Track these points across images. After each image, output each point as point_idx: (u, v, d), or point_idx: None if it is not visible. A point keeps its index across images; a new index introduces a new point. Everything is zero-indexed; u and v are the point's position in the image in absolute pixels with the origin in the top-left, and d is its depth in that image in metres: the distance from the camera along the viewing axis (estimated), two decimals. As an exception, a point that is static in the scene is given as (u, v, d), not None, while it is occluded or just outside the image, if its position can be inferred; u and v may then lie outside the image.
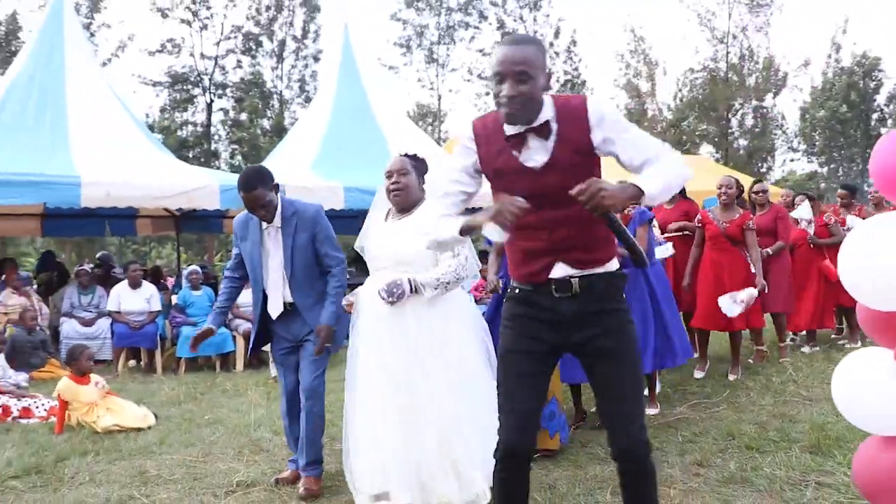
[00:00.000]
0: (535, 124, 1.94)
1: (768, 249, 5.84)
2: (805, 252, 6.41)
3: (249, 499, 3.22)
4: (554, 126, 1.93)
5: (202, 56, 24.44)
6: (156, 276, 9.82)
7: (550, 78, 1.96)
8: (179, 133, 24.26)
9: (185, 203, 7.21)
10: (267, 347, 3.56)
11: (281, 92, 26.12)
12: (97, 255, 11.98)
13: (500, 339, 2.14)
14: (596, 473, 3.35)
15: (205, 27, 24.32)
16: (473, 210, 2.19)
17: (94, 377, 4.94)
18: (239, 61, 25.13)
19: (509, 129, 1.97)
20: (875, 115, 26.25)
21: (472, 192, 2.14)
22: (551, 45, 26.67)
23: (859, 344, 6.32)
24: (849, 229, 6.08)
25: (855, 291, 1.91)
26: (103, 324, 7.39)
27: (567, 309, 2.02)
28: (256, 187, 3.14)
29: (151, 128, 21.62)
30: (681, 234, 5.90)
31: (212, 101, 24.78)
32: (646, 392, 4.56)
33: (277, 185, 3.28)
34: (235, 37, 24.85)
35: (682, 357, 4.32)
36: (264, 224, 3.28)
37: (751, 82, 25.25)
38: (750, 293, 5.08)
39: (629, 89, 27.05)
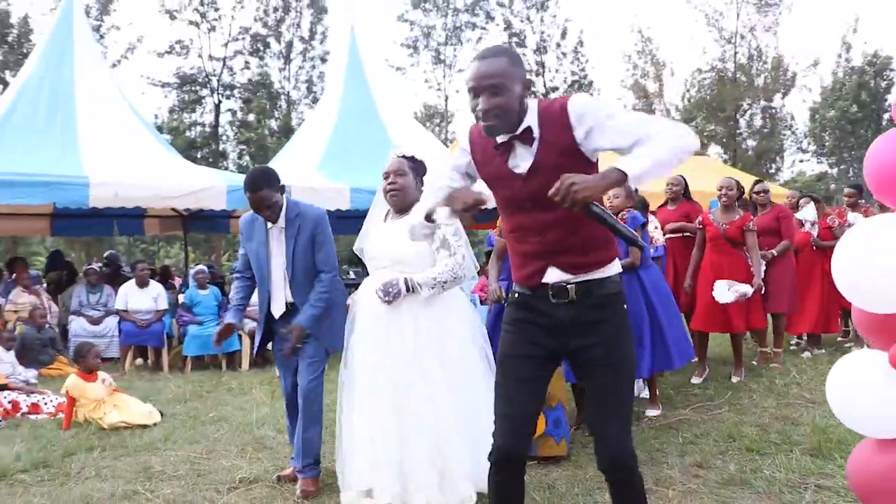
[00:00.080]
0: (518, 132, 1.96)
1: (773, 250, 5.83)
2: (808, 255, 6.39)
3: (251, 495, 3.26)
4: (537, 132, 1.95)
5: (210, 57, 24.58)
6: (164, 276, 9.91)
7: (528, 86, 1.98)
8: (188, 134, 24.40)
9: (192, 203, 7.27)
10: (271, 346, 3.60)
11: (288, 93, 26.22)
12: (105, 255, 12.08)
13: (500, 343, 2.15)
14: (595, 474, 3.34)
15: (213, 29, 24.47)
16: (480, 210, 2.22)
17: (101, 374, 5.00)
18: (247, 62, 25.25)
19: (499, 137, 2.00)
20: (886, 115, 26.03)
21: (457, 186, 2.17)
22: (558, 45, 26.65)
23: (865, 347, 6.29)
24: (853, 230, 6.05)
25: (849, 293, 1.92)
26: (111, 322, 7.47)
27: (564, 315, 2.02)
28: (262, 188, 3.18)
29: (160, 128, 21.75)
30: (681, 235, 5.90)
31: (220, 101, 24.91)
32: (646, 394, 4.57)
33: (283, 187, 3.31)
34: (243, 38, 24.97)
35: (679, 361, 4.29)
36: (269, 224, 3.32)
37: (759, 83, 25.13)
38: (746, 288, 5.06)
39: (636, 90, 26.98)
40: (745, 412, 4.45)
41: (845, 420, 2.05)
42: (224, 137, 25.53)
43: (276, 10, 25.43)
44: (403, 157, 3.07)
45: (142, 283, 7.41)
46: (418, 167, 3.07)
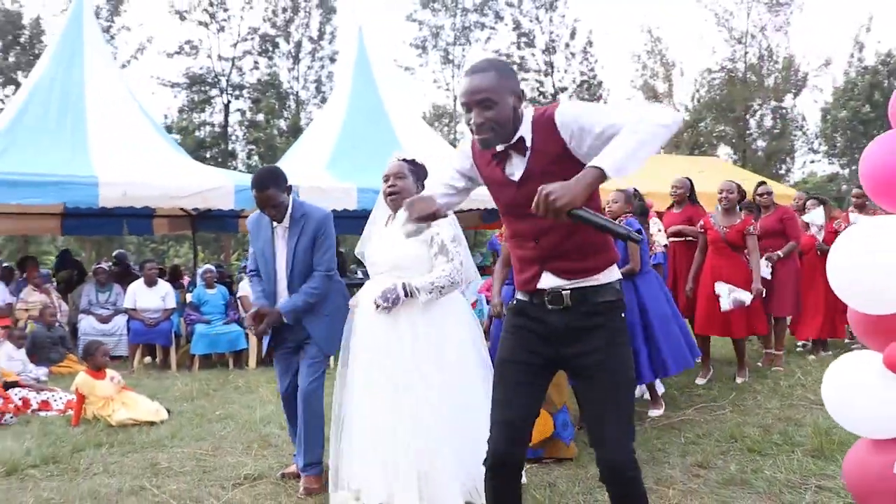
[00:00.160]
0: (512, 142, 1.99)
1: (779, 252, 5.82)
2: (813, 259, 6.34)
3: (255, 491, 3.30)
4: (529, 140, 1.98)
5: (220, 57, 24.68)
6: (174, 275, 10.00)
7: (521, 97, 2.00)
8: (197, 133, 24.51)
9: (200, 203, 7.33)
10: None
11: (297, 93, 26.30)
12: (113, 254, 12.19)
13: (499, 348, 2.17)
14: (596, 473, 3.36)
15: (222, 29, 24.57)
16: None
17: (110, 372, 5.06)
18: (256, 62, 25.34)
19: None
20: (898, 116, 25.76)
21: (459, 186, 2.20)
22: (567, 45, 26.60)
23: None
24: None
25: (844, 295, 1.94)
26: (120, 321, 7.54)
27: (558, 322, 2.02)
28: (269, 187, 3.21)
29: (170, 128, 21.89)
30: (682, 238, 5.87)
31: (229, 101, 25.01)
32: (647, 395, 4.58)
33: (290, 187, 3.34)
34: (252, 38, 25.06)
35: (675, 367, 4.29)
36: (274, 223, 3.36)
37: (770, 83, 24.98)
38: (745, 296, 5.03)
39: (646, 90, 26.88)
40: (748, 413, 4.45)
41: (841, 420, 2.06)
42: (233, 137, 25.65)
43: (284, 10, 25.52)
44: (403, 160, 3.07)
45: (150, 283, 7.48)
46: (418, 170, 3.07)
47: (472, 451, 2.75)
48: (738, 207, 5.37)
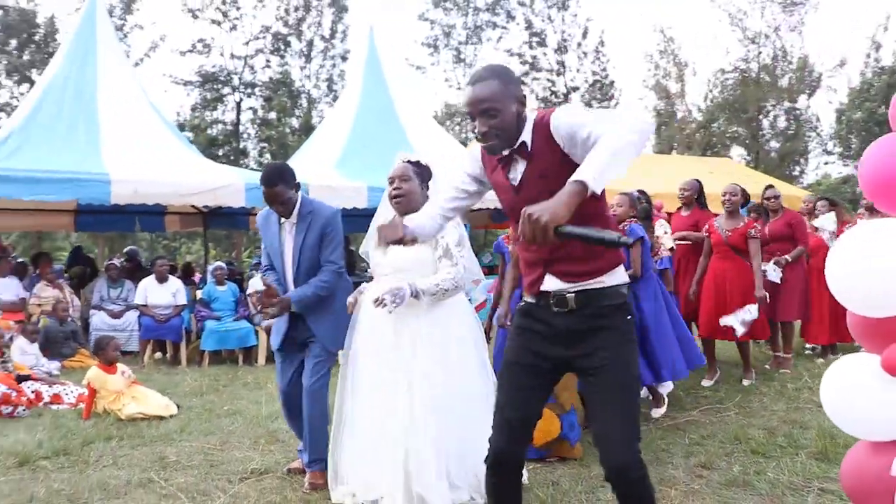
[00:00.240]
0: (515, 146, 2.02)
1: (787, 256, 5.79)
2: (821, 263, 6.28)
3: (262, 485, 3.35)
4: (530, 144, 2.01)
5: (232, 56, 24.81)
6: (186, 272, 10.10)
7: (524, 102, 2.02)
8: (209, 131, 24.66)
9: (210, 200, 7.38)
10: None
11: (309, 91, 26.38)
12: (124, 250, 12.31)
13: (505, 349, 2.20)
14: (599, 472, 3.36)
15: (234, 27, 24.68)
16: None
17: (120, 367, 5.13)
18: (268, 61, 25.44)
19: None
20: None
21: (470, 190, 2.24)
22: (579, 45, 26.53)
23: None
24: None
25: (842, 297, 1.95)
26: (131, 316, 7.63)
27: (563, 324, 2.03)
28: (277, 184, 3.24)
29: (182, 126, 22.03)
30: (687, 242, 5.85)
31: (241, 99, 25.14)
32: (649, 395, 4.58)
33: (299, 185, 3.37)
34: (264, 37, 25.17)
35: (668, 375, 4.29)
36: (282, 219, 3.39)
37: (783, 83, 24.80)
38: (751, 313, 5.02)
39: (658, 90, 26.79)
40: (753, 415, 4.45)
41: (839, 422, 2.07)
42: (245, 135, 25.78)
43: (297, 9, 25.61)
44: (409, 161, 3.07)
45: (161, 279, 7.56)
46: (423, 172, 3.08)
47: (472, 449, 2.78)
48: (746, 211, 5.34)
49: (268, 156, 24.91)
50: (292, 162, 8.54)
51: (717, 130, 26.05)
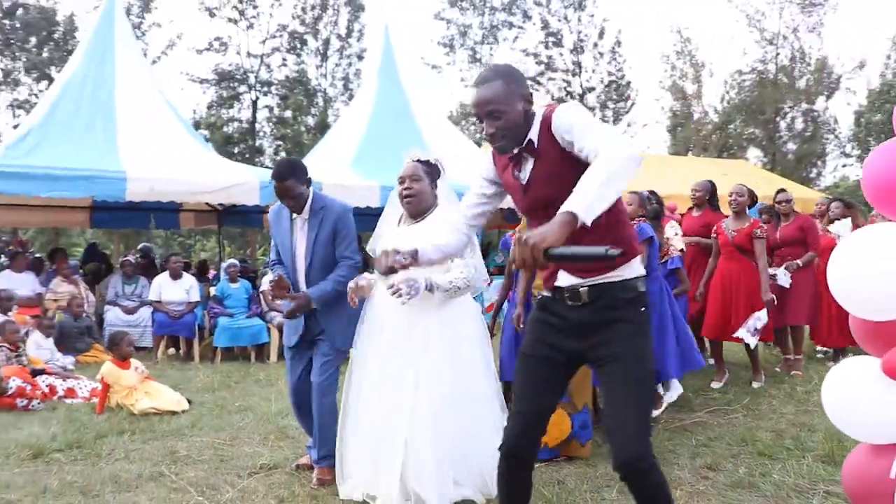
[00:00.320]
0: (524, 144, 2.04)
1: (798, 261, 5.75)
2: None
3: (270, 480, 3.39)
4: (536, 142, 2.02)
5: (248, 54, 25.04)
6: (201, 270, 10.20)
7: (531, 100, 2.03)
8: (225, 129, 24.87)
9: (225, 198, 7.46)
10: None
11: (325, 90, 26.55)
12: (139, 247, 12.46)
13: (522, 342, 2.23)
14: (605, 471, 3.41)
15: (251, 26, 24.91)
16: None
17: (134, 362, 5.20)
18: (284, 59, 25.64)
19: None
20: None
21: (489, 193, 2.25)
22: (595, 45, 26.43)
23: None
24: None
25: (844, 301, 1.95)
26: (145, 312, 7.70)
27: (576, 318, 2.06)
28: (288, 178, 3.25)
29: (198, 124, 22.26)
30: (696, 243, 5.81)
31: (257, 98, 25.35)
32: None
33: (310, 180, 3.38)
34: (281, 35, 25.36)
35: (662, 375, 4.27)
36: (294, 215, 3.41)
37: (801, 85, 24.56)
38: (760, 320, 5.01)
39: (675, 91, 26.66)
40: (761, 417, 4.44)
41: (840, 425, 2.07)
42: (261, 133, 25.98)
43: (313, 7, 25.78)
44: (418, 161, 3.07)
45: (175, 276, 7.65)
46: (433, 171, 3.08)
47: (477, 448, 2.80)
48: (757, 213, 5.32)
49: (283, 154, 25.07)
50: (307, 160, 8.58)
51: (734, 132, 25.86)
